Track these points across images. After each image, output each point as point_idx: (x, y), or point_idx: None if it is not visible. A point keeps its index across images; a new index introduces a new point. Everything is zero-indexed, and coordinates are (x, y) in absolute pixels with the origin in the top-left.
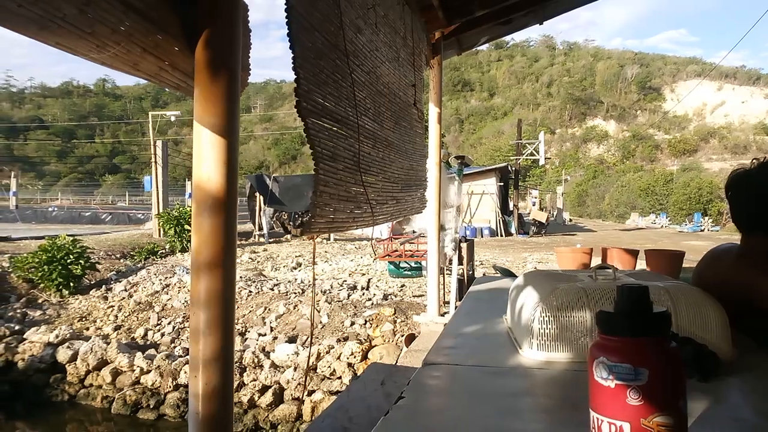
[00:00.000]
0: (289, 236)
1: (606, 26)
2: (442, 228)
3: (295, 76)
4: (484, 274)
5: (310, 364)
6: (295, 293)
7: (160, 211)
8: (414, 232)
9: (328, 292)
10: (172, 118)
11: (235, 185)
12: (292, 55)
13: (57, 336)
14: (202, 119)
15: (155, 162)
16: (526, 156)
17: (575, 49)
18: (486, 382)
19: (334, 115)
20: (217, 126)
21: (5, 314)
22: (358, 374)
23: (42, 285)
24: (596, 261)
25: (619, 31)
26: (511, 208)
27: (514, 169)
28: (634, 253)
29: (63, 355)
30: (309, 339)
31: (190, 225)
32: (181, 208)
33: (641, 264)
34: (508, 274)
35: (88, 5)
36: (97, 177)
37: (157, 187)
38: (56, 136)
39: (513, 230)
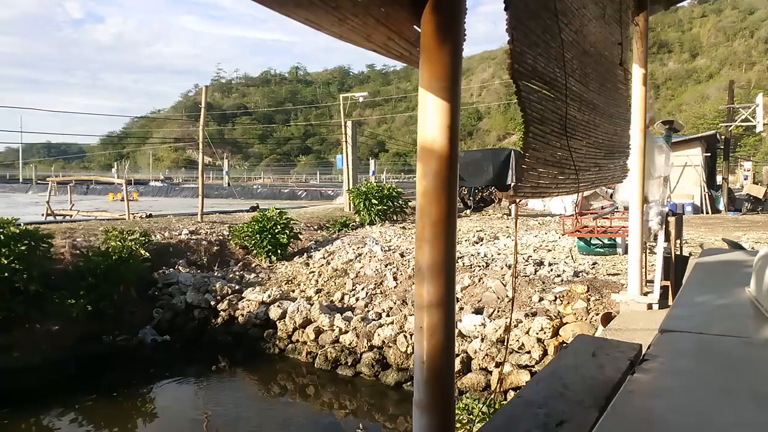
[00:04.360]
0: (468, 211)
1: None
2: (645, 200)
3: (509, 38)
4: (690, 254)
5: (506, 335)
6: (479, 266)
7: (351, 186)
8: (602, 208)
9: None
10: (360, 99)
11: (456, 148)
12: (507, 16)
13: (269, 296)
14: (429, 84)
15: (345, 141)
16: (738, 123)
17: None
18: (737, 351)
19: (544, 77)
20: (442, 90)
21: (227, 275)
22: (553, 348)
23: (254, 252)
24: None
25: None
26: (719, 182)
27: (723, 137)
28: None
29: (274, 312)
30: (511, 306)
31: (377, 200)
32: (369, 184)
33: None
34: (738, 247)
35: None
36: (293, 158)
37: (347, 165)
38: (258, 121)
39: (721, 207)
